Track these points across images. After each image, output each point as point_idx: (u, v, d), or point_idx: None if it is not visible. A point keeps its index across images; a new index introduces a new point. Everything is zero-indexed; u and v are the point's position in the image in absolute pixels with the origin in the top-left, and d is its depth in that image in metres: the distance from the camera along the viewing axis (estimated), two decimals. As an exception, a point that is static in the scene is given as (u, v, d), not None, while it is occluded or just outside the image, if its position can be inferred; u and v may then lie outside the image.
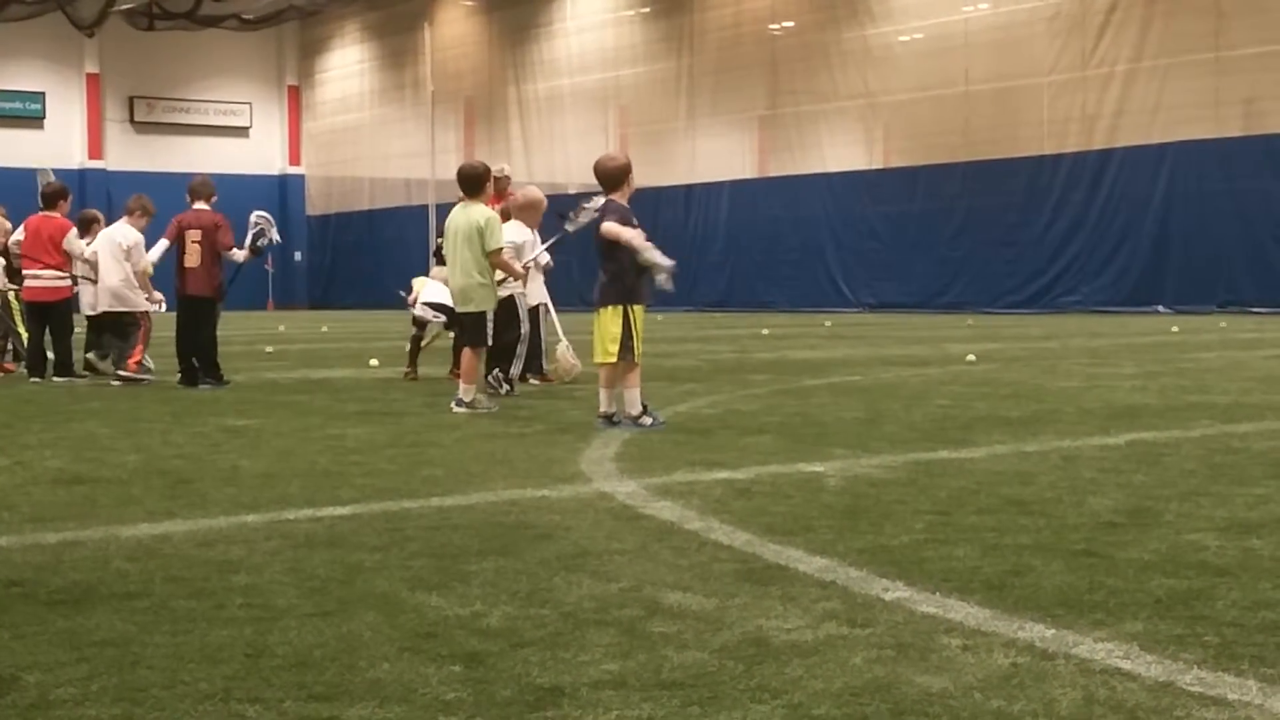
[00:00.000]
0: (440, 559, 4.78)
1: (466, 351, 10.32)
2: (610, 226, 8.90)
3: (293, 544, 5.08)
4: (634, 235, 8.88)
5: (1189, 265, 30.42)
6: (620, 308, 8.89)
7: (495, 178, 16.05)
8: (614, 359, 8.85)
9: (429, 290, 13.29)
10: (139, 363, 13.12)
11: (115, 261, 13.11)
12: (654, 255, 8.84)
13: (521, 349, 11.53)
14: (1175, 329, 22.22)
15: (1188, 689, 3.27)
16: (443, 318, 12.96)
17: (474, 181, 10.41)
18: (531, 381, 12.32)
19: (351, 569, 4.63)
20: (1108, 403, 10.13)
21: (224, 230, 12.49)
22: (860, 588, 4.29)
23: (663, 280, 8.85)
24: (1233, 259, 29.72)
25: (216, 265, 12.52)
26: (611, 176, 9.17)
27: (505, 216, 11.64)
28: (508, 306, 11.22)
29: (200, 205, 12.58)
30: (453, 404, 10.08)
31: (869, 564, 4.62)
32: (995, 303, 33.20)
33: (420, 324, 13.40)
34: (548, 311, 12.69)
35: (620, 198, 9.12)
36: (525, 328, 11.59)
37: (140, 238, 13.20)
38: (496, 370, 11.30)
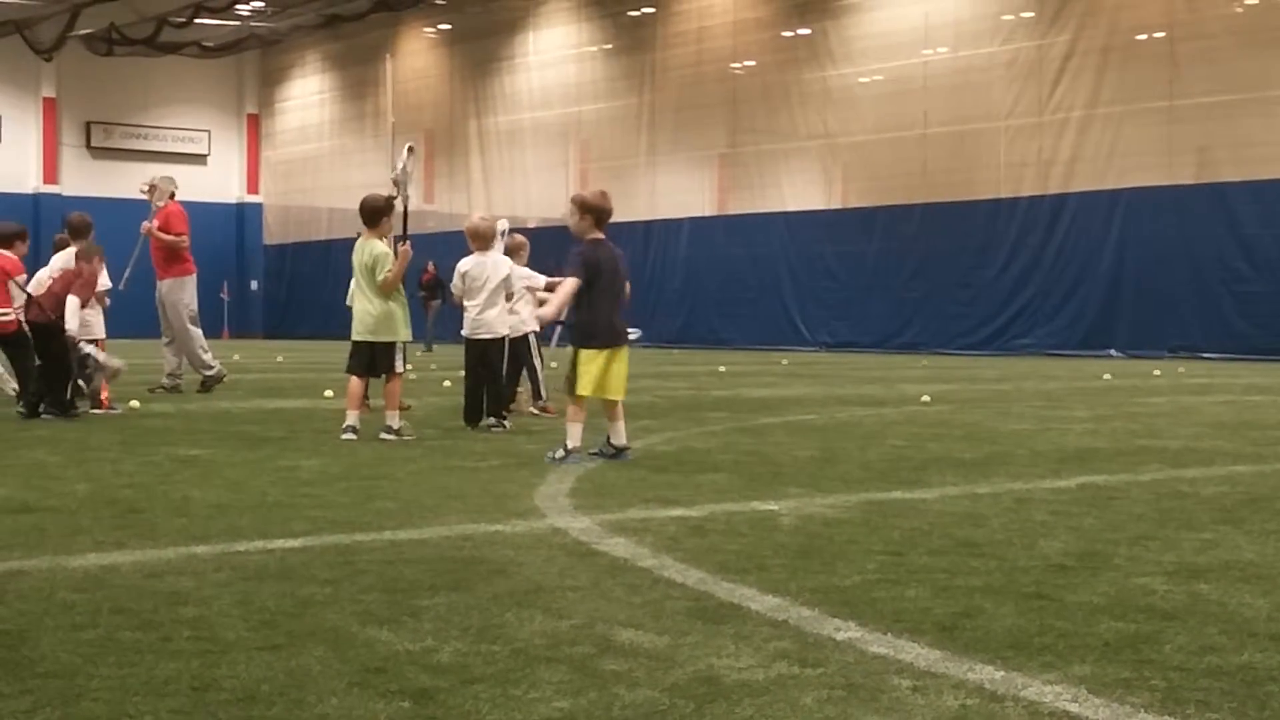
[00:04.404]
0: (392, 593, 4.75)
1: (393, 381, 10.59)
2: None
3: (242, 576, 5.04)
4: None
5: (1141, 310, 30.72)
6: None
7: (154, 186, 16.17)
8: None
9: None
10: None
11: None
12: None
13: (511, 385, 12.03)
14: (1107, 375, 22.39)
15: (1135, 733, 3.29)
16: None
17: (373, 214, 10.73)
18: (531, 411, 12.60)
19: (301, 602, 4.60)
20: (1059, 446, 10.20)
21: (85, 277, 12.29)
22: (812, 627, 4.29)
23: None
24: (1184, 305, 30.03)
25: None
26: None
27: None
28: (502, 346, 11.61)
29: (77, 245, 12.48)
30: (381, 433, 10.32)
31: (821, 603, 4.63)
32: (950, 344, 33.41)
33: None
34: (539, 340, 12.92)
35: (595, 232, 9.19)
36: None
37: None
38: (492, 418, 11.37)
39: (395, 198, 10.95)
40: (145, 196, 16.43)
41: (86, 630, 4.18)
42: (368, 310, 10.59)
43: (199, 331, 16.04)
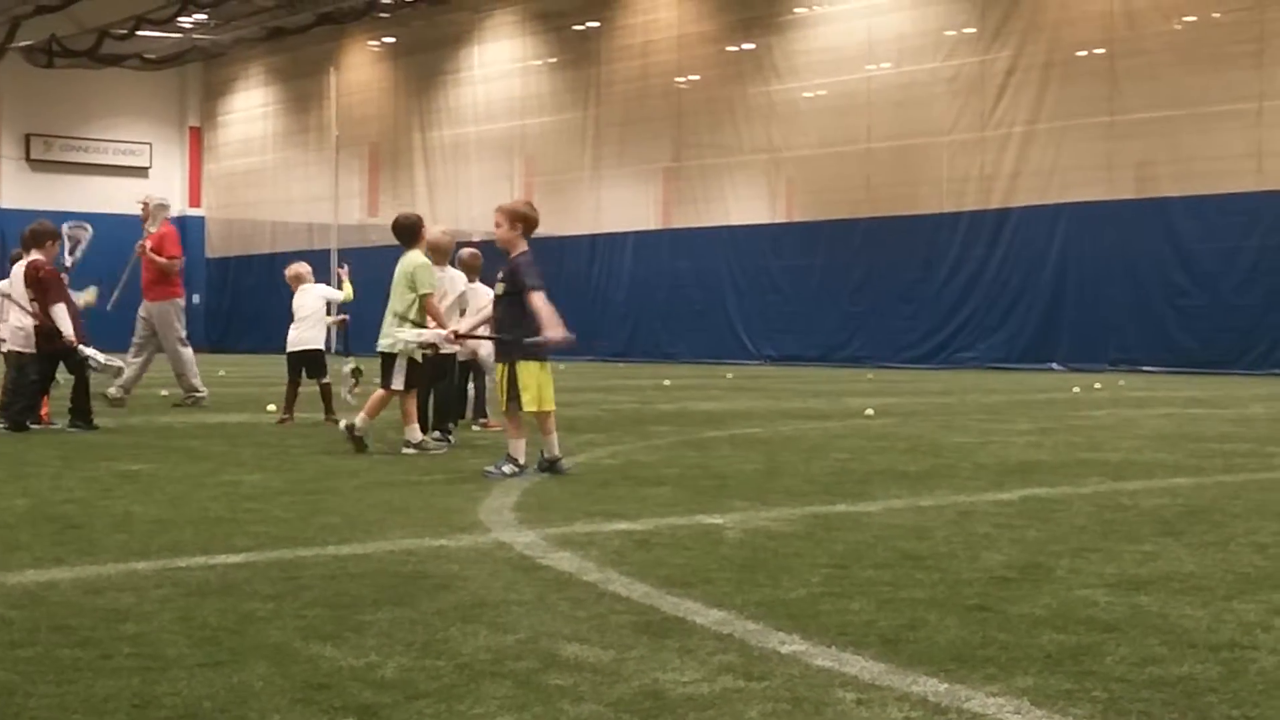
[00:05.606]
0: (335, 609, 4.72)
1: (404, 395, 10.53)
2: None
3: (184, 592, 4.99)
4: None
5: (1082, 324, 31.03)
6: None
7: (148, 206, 16.46)
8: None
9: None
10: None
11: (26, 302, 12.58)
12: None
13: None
14: (1077, 389, 22.60)
15: (1076, 744, 3.31)
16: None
17: (406, 232, 10.76)
18: (473, 428, 12.73)
19: (244, 618, 4.56)
20: (1002, 458, 10.27)
21: (47, 280, 12.00)
22: (757, 640, 4.30)
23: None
24: (1125, 318, 30.36)
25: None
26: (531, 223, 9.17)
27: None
28: (454, 361, 11.69)
29: (35, 255, 12.17)
30: (402, 448, 10.36)
31: (766, 617, 4.63)
32: (894, 357, 33.59)
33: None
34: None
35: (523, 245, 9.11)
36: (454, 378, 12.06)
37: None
38: (436, 432, 11.34)
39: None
40: (140, 215, 16.62)
41: (24, 648, 4.13)
42: (390, 322, 10.50)
43: (190, 352, 16.34)
